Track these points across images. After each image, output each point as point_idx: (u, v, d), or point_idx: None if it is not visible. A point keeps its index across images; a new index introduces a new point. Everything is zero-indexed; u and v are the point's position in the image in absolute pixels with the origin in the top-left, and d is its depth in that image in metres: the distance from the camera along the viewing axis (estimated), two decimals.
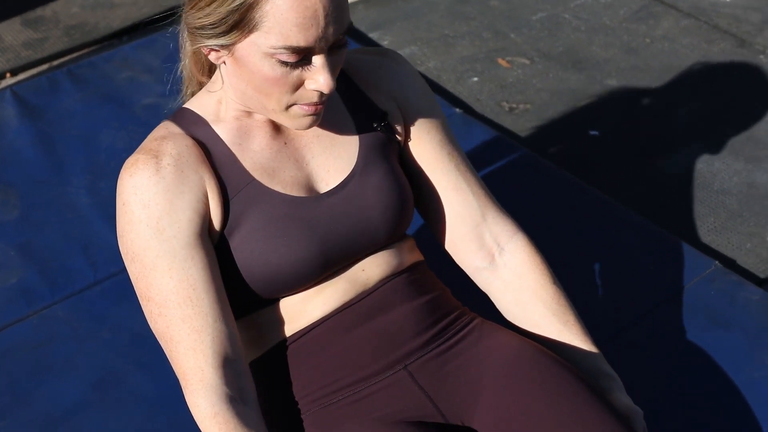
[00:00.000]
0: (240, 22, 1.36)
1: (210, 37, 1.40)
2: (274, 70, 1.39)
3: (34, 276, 2.10)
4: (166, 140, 1.48)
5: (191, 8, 1.42)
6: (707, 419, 1.84)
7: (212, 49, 1.43)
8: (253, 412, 1.45)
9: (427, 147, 1.64)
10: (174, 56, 2.98)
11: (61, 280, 2.10)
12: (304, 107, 1.43)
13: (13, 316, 2.02)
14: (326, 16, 1.35)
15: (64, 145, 2.45)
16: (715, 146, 2.55)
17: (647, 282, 2.09)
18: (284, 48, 1.35)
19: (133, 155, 1.48)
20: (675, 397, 1.87)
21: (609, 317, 2.00)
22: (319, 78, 1.40)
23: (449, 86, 2.75)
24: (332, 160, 1.55)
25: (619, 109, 2.67)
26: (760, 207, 2.37)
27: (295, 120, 1.45)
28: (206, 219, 1.47)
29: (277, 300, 1.53)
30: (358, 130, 1.58)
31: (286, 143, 1.53)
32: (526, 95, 2.72)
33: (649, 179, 2.44)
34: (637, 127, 2.60)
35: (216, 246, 1.49)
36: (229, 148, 1.50)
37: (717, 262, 2.13)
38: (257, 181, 1.49)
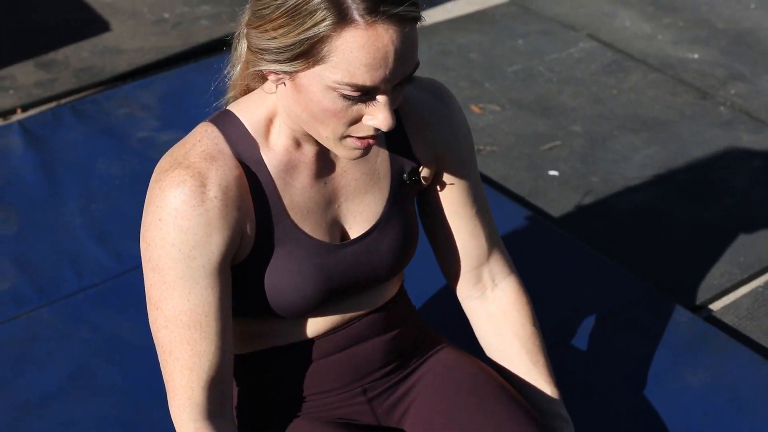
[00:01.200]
0: (307, 53, 1.33)
1: (272, 62, 1.36)
2: (334, 104, 1.36)
3: (25, 283, 2.31)
4: (215, 163, 1.45)
5: (256, 28, 1.37)
6: (629, 425, 2.00)
7: (273, 72, 1.39)
8: (229, 422, 1.54)
9: (455, 193, 1.68)
10: (168, 97, 3.23)
11: (48, 288, 2.30)
12: (358, 141, 1.42)
13: (3, 317, 2.23)
14: (396, 60, 1.31)
15: (63, 172, 2.67)
16: (666, 187, 2.73)
17: (588, 302, 2.28)
18: (349, 85, 1.33)
19: (176, 166, 1.44)
20: (599, 405, 2.04)
21: (552, 330, 2.18)
22: (378, 115, 1.38)
23: None
24: (362, 207, 1.58)
25: (580, 152, 2.87)
26: (705, 242, 2.54)
27: (347, 151, 1.44)
28: (233, 252, 1.48)
29: (276, 317, 1.58)
30: (391, 180, 1.60)
31: (325, 183, 1.55)
32: (494, 138, 2.92)
33: (602, 215, 2.63)
34: (596, 169, 2.79)
35: (235, 267, 1.51)
36: (274, 182, 1.50)
37: (658, 288, 2.31)
38: (291, 220, 1.52)
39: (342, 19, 1.30)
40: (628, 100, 3.12)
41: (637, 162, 2.83)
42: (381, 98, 1.36)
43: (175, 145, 1.49)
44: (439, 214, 1.70)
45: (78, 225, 2.50)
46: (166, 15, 3.57)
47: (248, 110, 1.49)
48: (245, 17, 1.42)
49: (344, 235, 1.57)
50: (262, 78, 1.50)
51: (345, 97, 1.35)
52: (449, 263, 1.76)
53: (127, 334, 2.17)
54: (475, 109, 3.05)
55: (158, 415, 1.94)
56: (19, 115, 3.01)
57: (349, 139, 1.41)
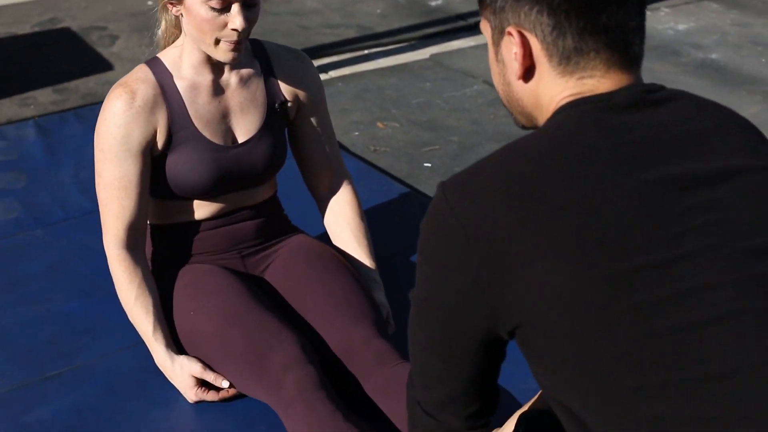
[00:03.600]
0: None
1: None
2: (208, 14, 2.16)
3: (26, 214, 3.25)
4: (142, 85, 2.27)
5: None
6: None
7: (170, 3, 2.23)
8: (142, 255, 2.40)
9: (307, 123, 2.50)
10: None
11: (42, 217, 3.24)
12: (228, 43, 2.21)
13: (7, 234, 3.17)
14: None
15: (62, 152, 3.64)
16: None
17: None
18: None
19: (119, 86, 2.27)
20: None
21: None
22: (235, 20, 2.17)
23: (338, 136, 3.91)
24: (245, 122, 2.39)
25: (452, 154, 3.80)
26: None
27: (223, 53, 2.23)
28: (151, 143, 2.29)
29: (185, 199, 2.40)
30: (267, 104, 2.41)
31: (219, 102, 2.35)
32: (389, 143, 3.86)
33: None
34: (462, 164, 3.72)
35: (155, 158, 2.32)
36: (183, 99, 2.31)
37: None
38: (194, 126, 2.32)
39: None
40: (501, 122, 4.06)
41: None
42: (234, 8, 2.18)
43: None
44: (298, 138, 2.55)
45: (69, 183, 3.45)
46: None
47: (166, 54, 2.36)
48: None
49: (233, 141, 2.40)
50: (177, 27, 2.33)
51: (212, 9, 2.17)
52: (306, 175, 2.61)
53: (92, 245, 3.09)
54: (380, 125, 4.01)
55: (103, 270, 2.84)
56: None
57: (222, 43, 2.23)
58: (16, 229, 3.19)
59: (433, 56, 4.71)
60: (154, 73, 2.34)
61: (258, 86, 2.44)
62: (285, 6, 5.39)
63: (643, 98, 1.39)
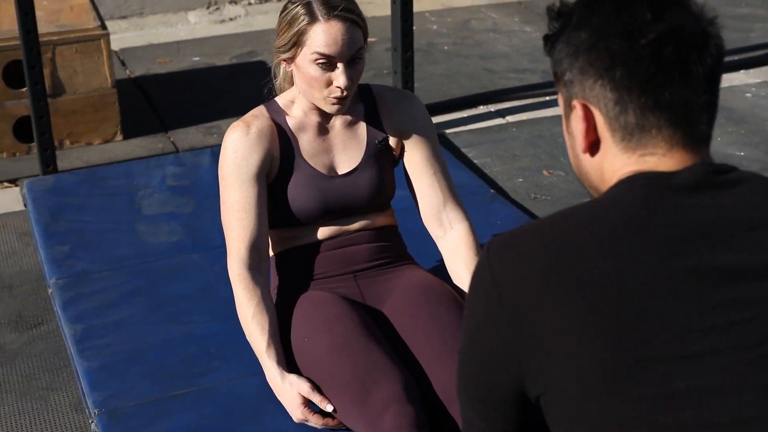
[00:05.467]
0: (297, 42, 2.42)
1: (282, 53, 2.46)
2: (315, 71, 2.40)
3: (187, 238, 3.42)
4: (257, 119, 2.55)
5: (276, 38, 2.48)
6: None
7: (284, 61, 2.48)
8: (263, 277, 2.54)
9: (416, 159, 2.63)
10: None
11: (201, 242, 3.40)
12: (333, 98, 2.45)
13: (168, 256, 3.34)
14: (343, 41, 2.37)
15: None
16: None
17: None
18: (318, 53, 2.38)
19: (237, 122, 2.55)
20: None
21: None
22: (340, 79, 2.40)
23: (501, 182, 3.92)
24: (346, 157, 2.59)
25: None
26: None
27: (329, 106, 2.47)
28: (266, 169, 2.52)
29: (297, 225, 2.59)
30: (368, 141, 2.60)
31: (324, 140, 2.58)
32: (551, 192, 3.84)
33: None
34: None
35: (270, 185, 2.55)
36: (294, 134, 2.56)
37: None
38: (302, 157, 2.56)
39: (313, 18, 2.41)
40: None
41: None
42: (340, 67, 2.40)
43: None
44: (408, 173, 2.67)
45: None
46: None
47: (282, 97, 2.62)
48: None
49: (335, 172, 2.59)
50: (290, 82, 2.59)
51: (319, 65, 2.40)
52: (420, 210, 2.68)
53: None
54: (545, 172, 3.99)
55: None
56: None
57: (329, 98, 2.45)
58: (176, 251, 3.36)
59: None
60: (268, 111, 2.59)
61: (361, 126, 2.62)
62: (475, 49, 5.44)
63: (707, 179, 1.35)
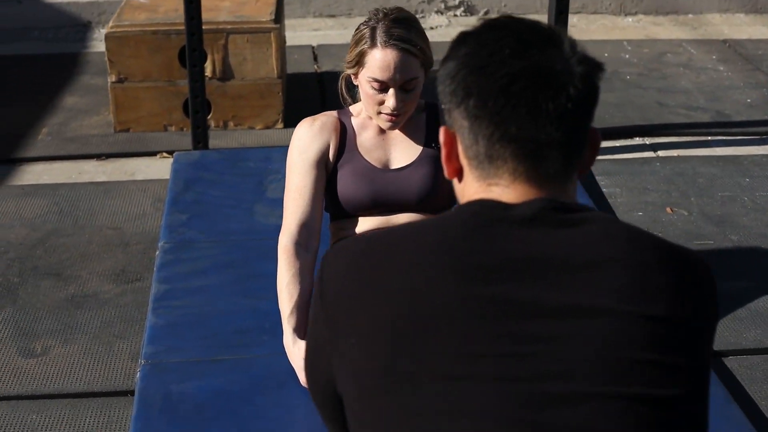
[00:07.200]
0: (359, 62, 2.60)
1: (349, 68, 2.65)
2: (370, 90, 2.59)
3: None
4: (324, 116, 2.75)
5: (347, 54, 2.67)
6: None
7: (352, 74, 2.67)
8: (309, 255, 2.69)
9: None
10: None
11: None
12: (384, 116, 2.63)
13: None
14: (395, 68, 2.54)
15: None
16: None
17: None
18: (373, 78, 2.57)
19: (307, 118, 2.76)
20: None
21: None
22: (390, 101, 2.58)
23: (619, 213, 3.92)
24: (401, 154, 2.73)
25: (720, 251, 3.66)
26: None
27: (381, 122, 2.66)
28: (325, 157, 2.69)
29: (348, 216, 2.77)
30: (425, 144, 2.73)
31: (383, 139, 2.74)
32: (665, 229, 3.80)
33: None
34: (717, 260, 3.58)
35: (329, 174, 2.69)
36: (354, 131, 2.73)
37: None
38: (358, 151, 2.71)
39: (373, 43, 2.57)
40: None
41: None
42: (391, 91, 2.57)
43: None
44: None
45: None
46: None
47: (355, 106, 2.77)
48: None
49: (388, 167, 2.72)
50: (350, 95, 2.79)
51: (373, 87, 2.58)
52: None
53: None
54: (668, 210, 3.96)
55: None
56: None
57: (381, 115, 2.63)
58: (271, 234, 3.57)
59: None
60: (338, 112, 2.79)
61: (420, 131, 2.75)
62: (657, 82, 5.39)
63: (544, 216, 1.36)
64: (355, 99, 2.84)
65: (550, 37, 1.41)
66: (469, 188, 1.44)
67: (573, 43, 1.42)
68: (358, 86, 2.69)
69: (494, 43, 1.40)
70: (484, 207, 1.39)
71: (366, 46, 2.59)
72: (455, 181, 1.49)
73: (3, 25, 6.08)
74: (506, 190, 1.40)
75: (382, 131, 2.75)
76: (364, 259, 1.41)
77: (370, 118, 2.73)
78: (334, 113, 2.78)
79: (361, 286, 1.38)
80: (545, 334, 1.30)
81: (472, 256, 1.34)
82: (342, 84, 2.83)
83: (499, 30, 1.43)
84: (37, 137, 4.60)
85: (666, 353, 1.31)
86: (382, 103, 2.61)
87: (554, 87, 1.37)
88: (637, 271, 1.34)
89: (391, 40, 2.56)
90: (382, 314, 1.35)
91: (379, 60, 2.56)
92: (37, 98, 5.04)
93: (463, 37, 1.48)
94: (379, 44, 2.57)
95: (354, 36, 2.66)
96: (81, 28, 6.18)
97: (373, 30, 2.59)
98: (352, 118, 2.76)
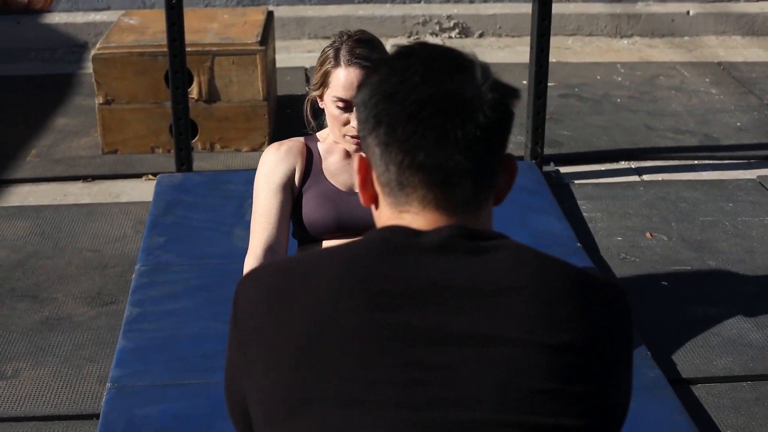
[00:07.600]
0: (323, 82, 2.65)
1: (314, 90, 2.70)
2: (335, 111, 2.64)
3: None
4: (291, 141, 2.81)
5: (314, 76, 2.75)
6: None
7: (317, 97, 2.70)
8: None
9: None
10: None
11: None
12: (349, 138, 2.68)
13: None
14: (358, 86, 2.69)
15: None
16: None
17: None
18: (337, 97, 2.61)
19: (274, 143, 2.84)
20: None
21: None
22: (353, 121, 2.57)
23: (598, 237, 3.92)
24: None
25: (696, 276, 3.66)
26: None
27: (347, 144, 2.71)
28: (291, 181, 2.73)
29: (314, 240, 2.78)
30: None
31: (349, 162, 2.77)
32: (642, 254, 3.80)
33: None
34: (695, 284, 3.57)
35: (295, 198, 2.74)
36: (320, 155, 2.78)
37: None
38: (324, 175, 2.76)
39: (337, 62, 2.61)
40: None
41: None
42: (355, 110, 2.55)
43: None
44: None
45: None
46: None
47: (322, 132, 2.82)
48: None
49: (353, 190, 2.73)
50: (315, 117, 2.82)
51: (338, 107, 2.62)
52: None
53: None
54: (648, 235, 3.96)
55: None
56: None
57: (347, 136, 2.66)
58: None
59: (760, 177, 4.50)
60: (304, 138, 2.84)
61: None
62: (647, 105, 5.39)
63: (452, 243, 1.37)
64: (320, 125, 2.86)
65: (462, 64, 1.41)
66: (383, 215, 1.46)
67: (485, 69, 1.42)
68: (324, 110, 2.71)
69: (404, 71, 1.41)
70: (394, 233, 1.39)
71: (330, 66, 2.63)
72: (372, 207, 1.50)
73: (1, 46, 6.14)
74: (416, 217, 1.40)
75: (348, 155, 2.78)
76: (275, 285, 1.41)
77: (336, 142, 2.76)
78: (300, 139, 2.82)
79: (269, 313, 1.39)
80: (448, 362, 1.30)
81: (378, 282, 1.35)
82: (307, 107, 2.84)
83: (410, 57, 1.43)
84: (26, 158, 4.63)
85: (571, 382, 1.31)
86: (347, 123, 2.63)
87: (463, 114, 1.37)
88: (543, 299, 1.35)
89: (354, 59, 2.60)
90: (289, 340, 1.35)
91: (343, 79, 2.60)
92: (29, 119, 5.07)
93: (377, 65, 1.50)
94: (342, 63, 2.61)
95: (319, 58, 2.69)
96: (78, 49, 6.22)
97: (337, 50, 2.64)
98: (318, 143, 2.80)
